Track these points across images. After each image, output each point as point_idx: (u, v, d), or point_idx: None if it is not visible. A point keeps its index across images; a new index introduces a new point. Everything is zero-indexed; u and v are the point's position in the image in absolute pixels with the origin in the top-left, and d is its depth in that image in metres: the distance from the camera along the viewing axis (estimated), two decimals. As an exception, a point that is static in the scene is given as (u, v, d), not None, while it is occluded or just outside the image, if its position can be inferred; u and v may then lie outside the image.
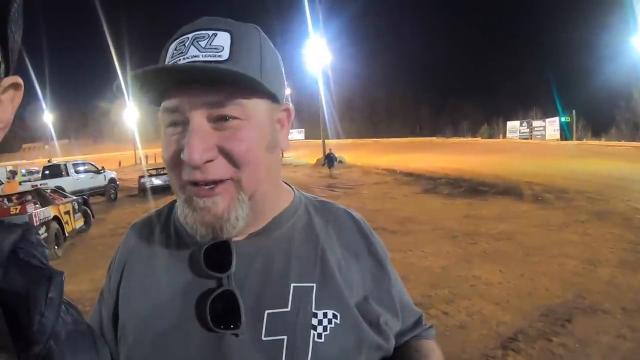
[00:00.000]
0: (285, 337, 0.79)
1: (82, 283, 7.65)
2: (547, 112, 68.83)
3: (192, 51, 0.77)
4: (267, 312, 0.81)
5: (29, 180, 23.82)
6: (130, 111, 70.76)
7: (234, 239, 0.84)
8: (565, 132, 58.73)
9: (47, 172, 22.23)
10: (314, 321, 0.81)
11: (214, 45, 0.77)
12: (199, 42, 0.78)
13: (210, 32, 0.79)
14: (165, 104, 0.79)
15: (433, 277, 6.94)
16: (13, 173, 20.30)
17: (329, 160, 30.33)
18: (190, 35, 0.79)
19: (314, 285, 0.84)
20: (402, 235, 9.87)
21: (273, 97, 0.84)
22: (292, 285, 0.83)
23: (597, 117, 67.46)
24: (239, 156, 0.77)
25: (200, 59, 0.76)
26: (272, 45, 0.88)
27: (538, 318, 5.28)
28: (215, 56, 0.77)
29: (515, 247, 8.48)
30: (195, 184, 0.78)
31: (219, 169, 0.77)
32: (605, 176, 19.34)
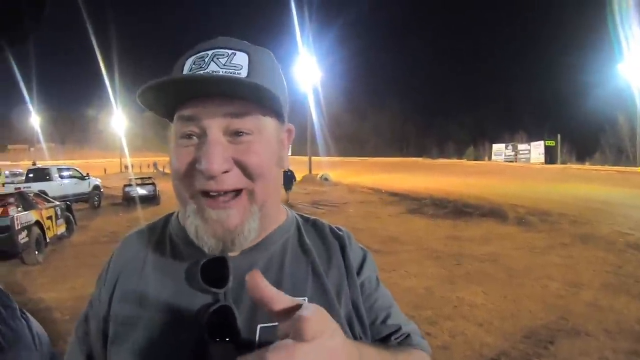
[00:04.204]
0: None
1: (61, 291, 7.56)
2: (533, 135, 69.60)
3: (212, 66, 0.80)
4: (259, 326, 0.81)
5: (12, 182, 23.54)
6: (117, 119, 70.58)
7: (230, 254, 0.86)
8: (550, 156, 59.35)
9: (31, 175, 21.97)
10: None
11: (234, 63, 0.81)
12: (219, 59, 0.81)
13: (230, 51, 0.83)
14: (182, 112, 0.81)
15: (416, 297, 6.92)
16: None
17: (287, 180, 23.51)
18: (209, 52, 0.82)
19: (306, 299, 0.85)
20: (386, 255, 9.83)
21: (281, 117, 0.88)
22: None
23: (582, 142, 68.29)
24: (254, 168, 0.80)
25: (221, 74, 0.79)
26: (280, 68, 0.93)
27: (521, 340, 5.29)
28: (235, 73, 0.80)
29: (499, 269, 8.50)
30: (207, 194, 0.79)
31: (234, 179, 0.79)
32: (589, 200, 19.55)
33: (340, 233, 1.01)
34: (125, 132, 71.48)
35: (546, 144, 61.49)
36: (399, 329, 0.99)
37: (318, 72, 54.89)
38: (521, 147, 66.65)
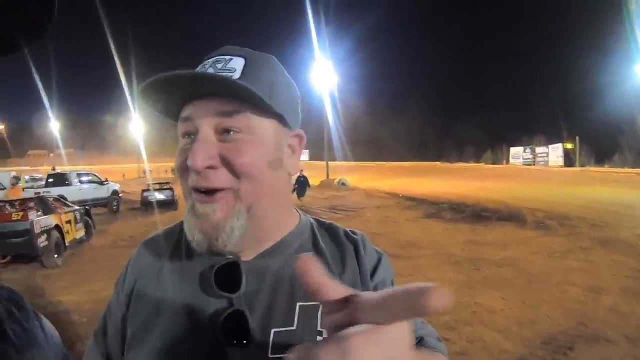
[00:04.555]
0: None
1: (80, 294, 7.63)
2: (551, 138, 68.93)
3: (210, 71, 0.85)
4: (273, 330, 0.83)
5: (32, 187, 23.83)
6: (136, 124, 71.16)
7: (244, 259, 0.89)
8: (569, 158, 58.77)
9: (50, 180, 22.33)
10: (319, 339, 0.83)
11: (228, 67, 0.86)
12: (217, 65, 0.86)
13: (228, 57, 0.87)
14: (181, 113, 0.86)
15: (434, 302, 6.85)
16: (17, 179, 20.25)
17: (300, 186, 23.41)
18: (211, 60, 0.88)
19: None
20: (404, 260, 9.76)
21: (282, 119, 0.90)
22: (298, 304, 0.86)
23: (600, 144, 67.47)
24: (240, 167, 0.82)
25: (204, 72, 0.84)
26: (286, 74, 0.95)
27: (540, 346, 5.23)
28: (227, 75, 0.84)
29: (518, 274, 8.42)
30: (198, 191, 0.83)
31: (220, 177, 0.82)
32: (608, 203, 19.35)
33: (355, 236, 1.02)
34: (143, 137, 71.95)
35: (565, 147, 60.92)
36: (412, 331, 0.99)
37: (335, 76, 54.97)
38: (539, 150, 66.11)
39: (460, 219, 16.94)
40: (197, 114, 0.83)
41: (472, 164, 76.79)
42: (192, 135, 0.84)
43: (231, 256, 0.88)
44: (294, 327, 0.84)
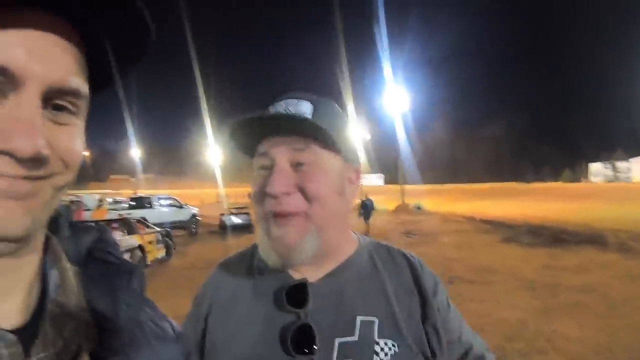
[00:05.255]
0: None
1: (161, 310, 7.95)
2: (631, 150, 65.55)
3: (283, 113, 1.01)
4: (337, 340, 0.97)
5: (115, 209, 24.98)
6: (213, 151, 73.30)
7: (310, 280, 1.02)
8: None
9: (133, 203, 23.58)
10: (377, 348, 0.97)
11: (299, 110, 1.01)
12: (289, 107, 1.01)
13: (297, 101, 1.03)
14: (259, 149, 1.03)
15: (509, 329, 6.73)
16: (101, 201, 21.46)
17: (365, 209, 22.05)
18: (282, 102, 1.03)
19: (376, 318, 1.01)
20: (479, 285, 9.62)
21: (343, 155, 1.05)
22: (359, 318, 1.00)
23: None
24: (312, 192, 0.97)
25: (287, 112, 1.00)
26: (345, 116, 1.12)
27: (617, 377, 5.05)
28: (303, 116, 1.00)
29: (597, 300, 8.11)
30: (275, 215, 0.97)
31: (294, 202, 0.96)
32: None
33: (412, 259, 1.14)
34: (220, 163, 73.87)
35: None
36: (471, 347, 1.13)
37: (408, 99, 54.68)
38: (620, 164, 62.98)
39: (538, 243, 16.44)
40: (273, 149, 0.98)
41: (549, 184, 74.07)
42: (267, 168, 0.99)
43: (299, 277, 1.02)
44: (355, 338, 0.97)
